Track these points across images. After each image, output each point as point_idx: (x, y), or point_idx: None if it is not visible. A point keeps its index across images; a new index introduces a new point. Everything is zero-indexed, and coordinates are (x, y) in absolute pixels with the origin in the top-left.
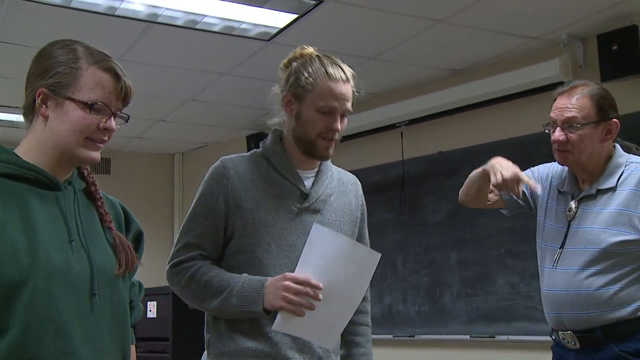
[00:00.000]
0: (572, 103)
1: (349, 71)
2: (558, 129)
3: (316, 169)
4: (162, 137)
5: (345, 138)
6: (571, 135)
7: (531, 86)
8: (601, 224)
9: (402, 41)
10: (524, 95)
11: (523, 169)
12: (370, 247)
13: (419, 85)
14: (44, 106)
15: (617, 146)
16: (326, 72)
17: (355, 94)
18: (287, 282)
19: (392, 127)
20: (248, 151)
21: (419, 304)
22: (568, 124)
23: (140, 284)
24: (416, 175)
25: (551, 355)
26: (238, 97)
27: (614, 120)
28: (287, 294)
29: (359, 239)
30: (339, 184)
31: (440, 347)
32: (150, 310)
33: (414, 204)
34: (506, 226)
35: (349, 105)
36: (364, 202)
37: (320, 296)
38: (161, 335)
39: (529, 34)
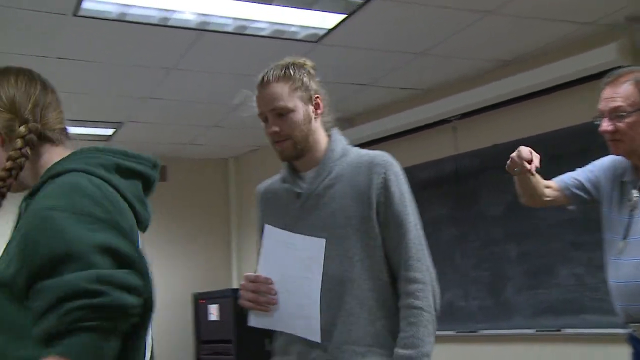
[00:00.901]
0: (617, 92)
1: (276, 70)
2: (606, 119)
3: (318, 166)
4: (216, 143)
5: (398, 135)
6: (619, 124)
7: (588, 73)
8: None
9: (451, 35)
10: (580, 82)
11: (582, 158)
12: (427, 242)
13: (470, 78)
14: None
15: None
16: (258, 81)
17: (399, 89)
18: (242, 282)
19: (444, 121)
20: None
21: (480, 299)
22: (615, 114)
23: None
24: (471, 169)
25: (624, 347)
26: None
27: None
28: (243, 293)
29: (386, 221)
30: (350, 169)
31: (504, 342)
32: (212, 314)
33: (470, 198)
34: (567, 217)
35: (277, 103)
36: (386, 181)
37: (274, 289)
38: (224, 337)
39: (582, 19)
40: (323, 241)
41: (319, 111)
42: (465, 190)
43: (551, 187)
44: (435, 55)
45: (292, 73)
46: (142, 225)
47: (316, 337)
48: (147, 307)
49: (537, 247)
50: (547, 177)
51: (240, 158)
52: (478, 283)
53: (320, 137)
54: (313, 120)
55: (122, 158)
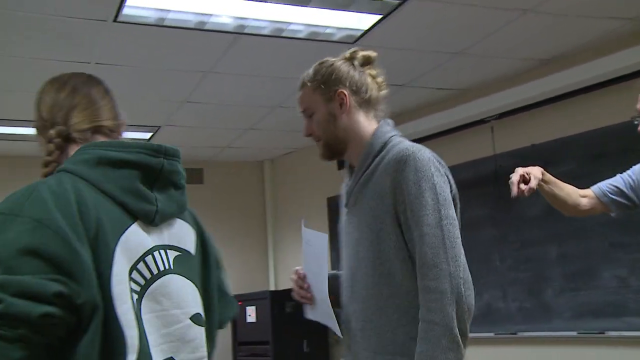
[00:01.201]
0: None
1: (303, 77)
2: None
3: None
4: (252, 145)
5: (435, 135)
6: None
7: (628, 71)
8: None
9: (489, 34)
10: (620, 80)
11: (623, 157)
12: (464, 244)
13: (507, 77)
14: None
15: None
16: None
17: (436, 90)
18: (291, 277)
19: (482, 122)
20: None
21: (520, 301)
22: None
23: None
24: (509, 169)
25: None
26: None
27: None
28: (293, 286)
29: (406, 222)
30: (383, 166)
31: (544, 344)
32: (249, 315)
33: (509, 198)
34: (609, 218)
35: (301, 105)
36: (403, 178)
37: (307, 284)
38: (262, 339)
39: (623, 15)
40: (326, 236)
41: (343, 107)
42: (504, 191)
43: (587, 196)
44: (472, 55)
45: (313, 74)
46: (148, 215)
47: (337, 329)
48: (87, 312)
49: (577, 248)
50: (587, 177)
51: (276, 160)
52: (517, 284)
53: (363, 130)
54: (340, 117)
55: (111, 149)
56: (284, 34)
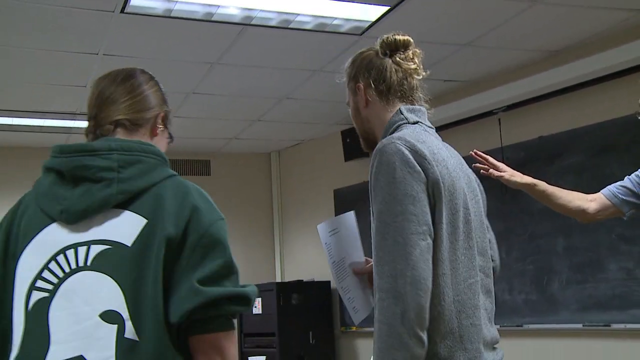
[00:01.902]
0: None
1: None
2: None
3: None
4: (258, 137)
5: (442, 127)
6: None
7: (637, 62)
8: None
9: (497, 25)
10: (629, 72)
11: (631, 150)
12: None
13: (515, 69)
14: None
15: None
16: None
17: (443, 82)
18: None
19: (489, 114)
20: (343, 146)
21: (525, 293)
22: None
23: None
24: (516, 161)
25: None
26: (332, 93)
27: None
28: None
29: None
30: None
31: (550, 336)
32: (255, 307)
33: (516, 191)
34: None
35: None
36: (371, 172)
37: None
38: (268, 330)
39: (632, 7)
40: (352, 213)
41: (362, 100)
42: None
43: (596, 199)
44: (480, 47)
45: (346, 67)
46: (59, 214)
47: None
48: None
49: (584, 240)
50: (594, 169)
51: (283, 152)
52: (524, 277)
53: (382, 121)
54: (363, 110)
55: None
56: (291, 25)
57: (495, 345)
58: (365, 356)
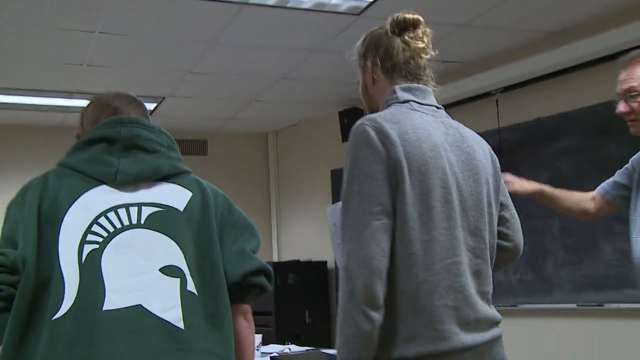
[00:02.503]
0: (630, 74)
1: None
2: (622, 101)
3: None
4: (256, 117)
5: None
6: (633, 104)
7: (635, 44)
8: None
9: (495, 5)
10: (626, 54)
11: (628, 131)
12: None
13: (513, 50)
14: None
15: None
16: None
17: (441, 62)
18: None
19: (487, 95)
20: (340, 126)
21: (520, 273)
22: (629, 94)
23: None
24: (513, 142)
25: None
26: (330, 73)
27: None
28: None
29: None
30: None
31: (544, 316)
32: None
33: (512, 171)
34: None
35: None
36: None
37: None
38: (265, 309)
39: None
40: (338, 205)
41: (369, 78)
42: (507, 164)
43: (594, 198)
44: (478, 27)
45: (357, 45)
46: (110, 176)
47: None
48: (21, 263)
49: (579, 221)
50: (591, 151)
51: (280, 133)
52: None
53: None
54: (370, 87)
55: (84, 135)
56: (289, 5)
57: (487, 326)
58: None
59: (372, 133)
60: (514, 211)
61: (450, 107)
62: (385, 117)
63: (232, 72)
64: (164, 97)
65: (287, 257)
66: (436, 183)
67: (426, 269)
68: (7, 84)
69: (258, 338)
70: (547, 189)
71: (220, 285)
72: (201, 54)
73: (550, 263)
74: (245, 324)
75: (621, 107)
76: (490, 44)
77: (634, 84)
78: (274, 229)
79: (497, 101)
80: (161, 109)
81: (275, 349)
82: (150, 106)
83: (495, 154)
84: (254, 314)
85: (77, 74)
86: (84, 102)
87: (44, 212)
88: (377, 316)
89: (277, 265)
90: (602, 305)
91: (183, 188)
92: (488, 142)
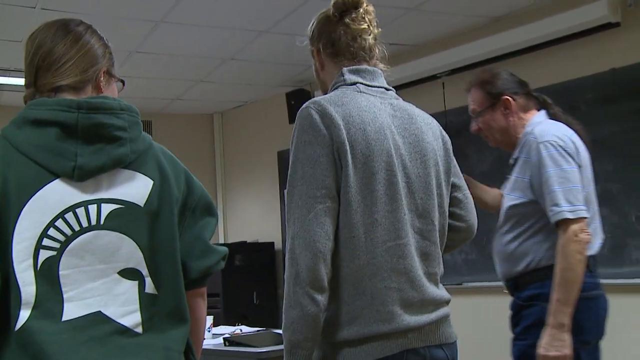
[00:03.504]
0: (470, 97)
1: None
2: (473, 121)
3: None
4: (201, 98)
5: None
6: (479, 124)
7: (577, 29)
8: (507, 189)
9: None
10: (569, 39)
11: (571, 115)
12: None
13: (459, 34)
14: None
15: (534, 117)
16: None
17: (389, 45)
18: None
19: (433, 77)
20: (287, 108)
21: (465, 253)
22: (474, 115)
23: None
24: (459, 125)
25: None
26: (278, 55)
27: (505, 97)
28: None
29: None
30: None
31: (487, 293)
32: None
33: (458, 154)
34: None
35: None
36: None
37: None
38: (212, 291)
39: None
40: None
41: (318, 63)
42: (453, 147)
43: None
44: (426, 11)
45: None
46: (67, 171)
47: None
48: None
49: None
50: None
51: (225, 114)
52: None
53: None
54: (320, 72)
55: (34, 109)
56: None
57: (434, 306)
58: None
59: (316, 116)
60: (467, 191)
61: (398, 89)
62: (330, 100)
63: (178, 52)
64: None
65: (234, 238)
66: (380, 166)
67: (368, 251)
68: None
69: (209, 319)
70: (475, 182)
71: (179, 282)
72: (147, 33)
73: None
74: (202, 303)
75: (472, 127)
76: (439, 27)
77: (474, 106)
78: (221, 210)
79: (443, 84)
80: None
81: (226, 329)
82: None
83: None
84: None
85: (16, 50)
86: (20, 81)
87: None
88: (322, 298)
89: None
90: None
91: (143, 176)
92: None
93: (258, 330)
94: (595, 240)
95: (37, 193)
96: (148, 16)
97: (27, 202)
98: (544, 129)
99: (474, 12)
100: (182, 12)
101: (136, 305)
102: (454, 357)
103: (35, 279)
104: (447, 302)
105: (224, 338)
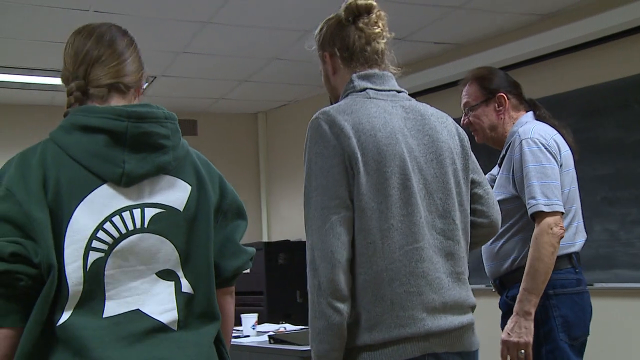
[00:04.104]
0: (465, 91)
1: None
2: (464, 115)
3: None
4: (246, 97)
5: (431, 90)
6: (471, 117)
7: (629, 26)
8: (495, 187)
9: None
10: (620, 36)
11: (621, 113)
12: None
13: (507, 32)
14: None
15: (522, 117)
16: None
17: (433, 44)
18: None
19: None
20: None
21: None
22: (467, 109)
23: None
24: None
25: None
26: None
27: (500, 94)
28: None
29: None
30: None
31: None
32: None
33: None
34: (601, 173)
35: None
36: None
37: None
38: (255, 289)
39: None
40: None
41: (330, 68)
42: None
43: None
44: (472, 9)
45: (315, 35)
46: (115, 177)
47: None
48: (45, 269)
49: None
50: (582, 133)
51: (269, 113)
52: None
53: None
54: (332, 77)
55: (83, 115)
56: None
57: (458, 311)
58: None
59: (326, 127)
60: (487, 187)
61: (442, 88)
62: (338, 109)
63: (224, 52)
64: (155, 77)
65: (277, 237)
66: (393, 171)
67: (385, 257)
68: (5, 62)
69: (254, 317)
70: None
71: (211, 283)
72: (194, 33)
73: None
74: (231, 300)
75: (463, 120)
76: (483, 26)
77: (468, 99)
78: (264, 209)
79: None
80: (152, 88)
81: (271, 327)
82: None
83: None
84: (245, 293)
85: None
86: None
87: (50, 208)
88: (344, 307)
89: (268, 246)
90: (592, 285)
91: (182, 181)
92: None
93: (301, 329)
94: (578, 238)
95: (87, 197)
96: (195, 17)
97: (78, 206)
98: (529, 128)
99: (521, 9)
100: (228, 13)
101: (173, 304)
102: None
103: (84, 279)
104: (471, 308)
105: (268, 336)
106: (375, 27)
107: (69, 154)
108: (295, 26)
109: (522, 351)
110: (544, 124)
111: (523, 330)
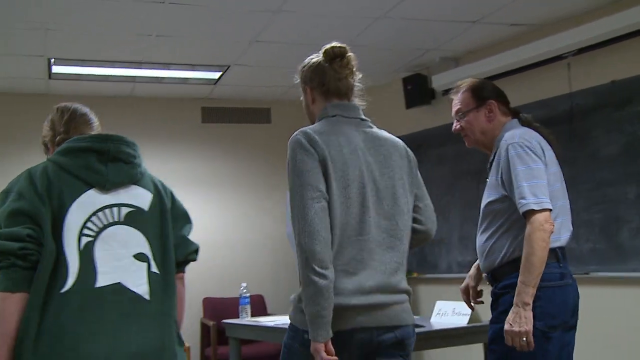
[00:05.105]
0: (457, 98)
1: None
2: (455, 121)
3: None
4: None
5: (507, 73)
6: (462, 123)
7: None
8: (486, 189)
9: None
10: None
11: None
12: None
13: (585, 12)
14: None
15: (508, 124)
16: None
17: (509, 26)
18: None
19: (557, 58)
20: (404, 93)
21: (592, 242)
22: (458, 115)
23: None
24: (585, 107)
25: None
26: (395, 40)
27: (491, 101)
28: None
29: None
30: None
31: (617, 284)
32: None
33: (584, 137)
34: None
35: None
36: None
37: None
38: None
39: None
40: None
41: (309, 98)
42: (579, 130)
43: None
44: None
45: (298, 70)
46: (100, 183)
47: None
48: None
49: None
50: None
51: None
52: (590, 225)
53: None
54: (311, 105)
55: (75, 142)
56: None
57: (388, 292)
58: (425, 301)
59: (304, 140)
60: (427, 201)
61: (519, 71)
62: (314, 129)
63: (296, 40)
64: (229, 66)
65: None
66: (353, 179)
67: (338, 243)
68: (79, 55)
69: None
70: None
71: (172, 266)
72: (267, 22)
73: (625, 231)
74: (182, 285)
75: (454, 126)
76: (562, 5)
77: (460, 106)
78: None
79: (568, 65)
80: (226, 77)
81: None
82: (215, 75)
83: (567, 119)
84: None
85: (147, 44)
86: (152, 72)
87: (52, 206)
88: (329, 273)
89: None
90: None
91: (145, 190)
92: (559, 107)
93: None
94: (563, 233)
95: (79, 198)
96: (267, 6)
97: (72, 204)
98: (513, 133)
99: None
100: (300, 1)
101: (145, 279)
102: (403, 338)
103: (79, 257)
104: (403, 292)
105: None
106: (346, 69)
107: (65, 169)
108: (365, 13)
109: (524, 339)
110: (527, 128)
111: (523, 320)
